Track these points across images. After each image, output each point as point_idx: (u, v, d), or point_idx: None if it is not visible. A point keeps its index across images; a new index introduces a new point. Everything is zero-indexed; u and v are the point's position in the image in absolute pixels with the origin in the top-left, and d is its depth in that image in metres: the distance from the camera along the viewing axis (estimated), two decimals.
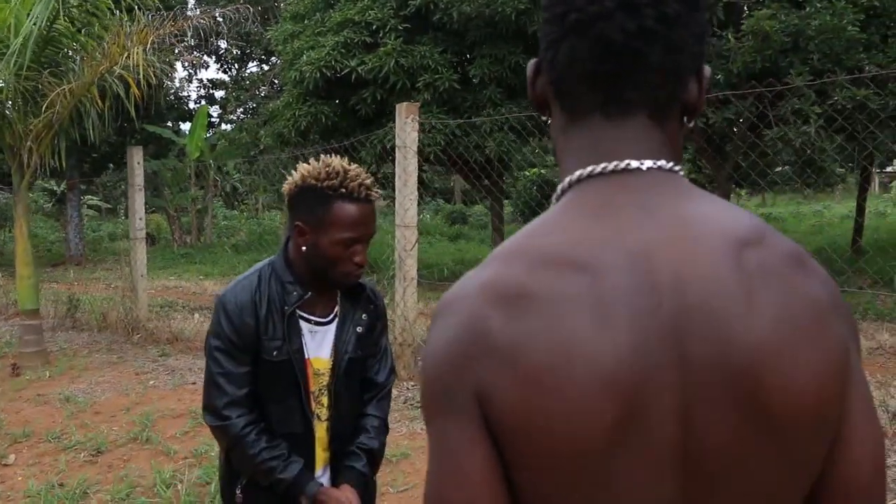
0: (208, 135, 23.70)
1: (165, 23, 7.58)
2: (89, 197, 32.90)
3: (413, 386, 6.00)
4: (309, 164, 2.03)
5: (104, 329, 9.31)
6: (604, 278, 0.78)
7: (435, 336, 0.83)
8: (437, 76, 11.42)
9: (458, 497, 0.78)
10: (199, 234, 24.85)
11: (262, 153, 18.56)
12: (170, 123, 25.46)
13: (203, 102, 27.37)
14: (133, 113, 7.83)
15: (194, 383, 6.76)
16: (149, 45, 7.29)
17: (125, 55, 7.26)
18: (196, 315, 9.62)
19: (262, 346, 2.05)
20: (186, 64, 27.78)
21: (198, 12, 8.18)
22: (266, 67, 26.29)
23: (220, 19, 8.03)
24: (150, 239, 26.22)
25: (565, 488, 0.78)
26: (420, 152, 10.89)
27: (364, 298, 2.20)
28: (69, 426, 5.58)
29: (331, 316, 2.15)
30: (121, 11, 7.74)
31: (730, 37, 9.00)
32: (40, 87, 7.40)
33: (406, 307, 6.04)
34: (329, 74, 11.79)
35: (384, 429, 2.27)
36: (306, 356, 2.09)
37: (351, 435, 2.20)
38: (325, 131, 12.57)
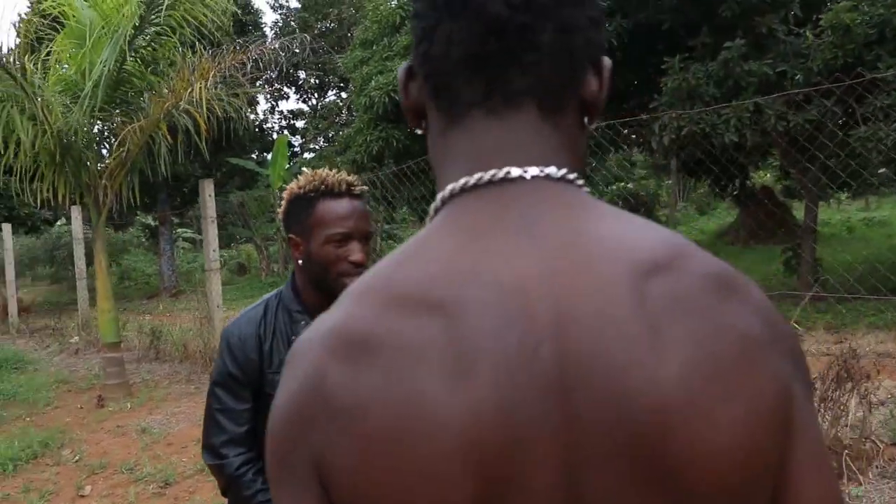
0: (290, 164, 24.15)
1: (227, 56, 7.68)
2: (183, 230, 33.98)
3: None
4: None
5: (185, 360, 9.48)
6: (464, 321, 0.63)
7: (279, 392, 0.70)
8: None
9: None
10: (285, 263, 25.30)
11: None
12: (255, 155, 26.10)
13: (284, 133, 27.99)
14: (203, 146, 7.97)
15: None
16: (210, 80, 7.38)
17: (189, 91, 7.40)
18: None
19: (265, 380, 1.97)
20: (268, 96, 28.51)
21: (273, 43, 8.24)
22: (344, 95, 26.74)
23: (278, 49, 8.03)
24: (242, 268, 27.03)
25: None
26: None
27: None
28: (142, 457, 5.67)
29: None
30: (184, 48, 7.90)
31: (808, 34, 8.59)
32: (112, 126, 7.60)
33: None
34: (398, 98, 11.79)
35: None
36: None
37: None
38: (398, 155, 12.59)
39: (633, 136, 12.38)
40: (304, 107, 28.73)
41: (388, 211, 15.40)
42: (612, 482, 0.62)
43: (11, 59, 6.93)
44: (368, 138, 12.63)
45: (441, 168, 0.75)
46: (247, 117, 8.75)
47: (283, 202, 2.01)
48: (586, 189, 0.73)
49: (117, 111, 7.74)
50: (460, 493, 0.61)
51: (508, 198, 0.69)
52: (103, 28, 7.48)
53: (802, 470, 0.67)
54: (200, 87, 7.38)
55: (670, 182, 24.68)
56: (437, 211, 0.74)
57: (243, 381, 1.97)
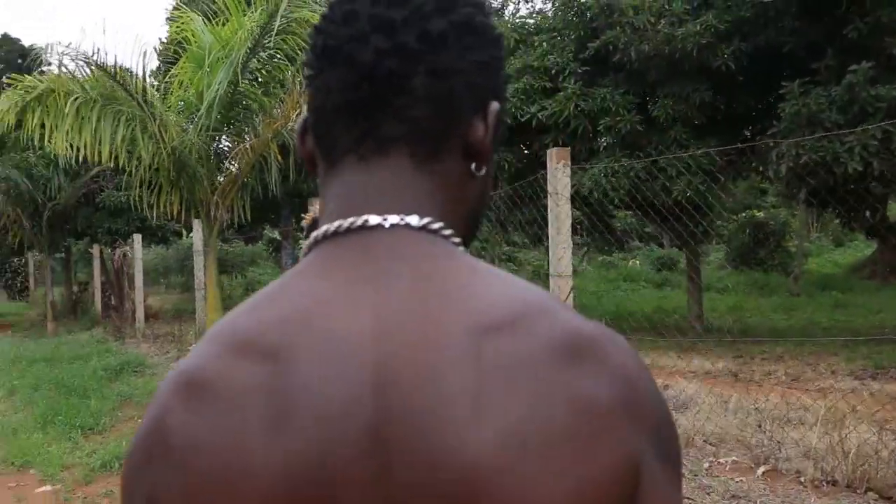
0: None
1: None
2: None
3: None
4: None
5: None
6: (292, 369, 0.62)
7: (137, 432, 0.70)
8: (618, 118, 11.11)
9: None
10: None
11: None
12: None
13: None
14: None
15: None
16: None
17: (298, 112, 7.65)
18: None
19: None
20: None
21: None
22: None
23: None
24: None
25: None
26: (604, 196, 10.74)
27: None
28: None
29: None
30: (296, 69, 8.17)
31: None
32: (224, 145, 7.95)
33: None
34: (509, 122, 11.82)
35: None
36: None
37: None
38: (511, 178, 12.57)
39: (753, 164, 11.90)
40: None
41: (503, 234, 15.42)
42: None
43: (134, 83, 7.34)
44: None
45: (322, 214, 0.74)
46: None
47: (311, 218, 2.05)
48: (455, 239, 0.71)
49: (230, 131, 8.07)
50: None
51: (364, 246, 0.68)
52: (220, 52, 7.83)
53: None
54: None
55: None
56: (305, 255, 0.73)
57: None
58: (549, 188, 5.89)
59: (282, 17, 7.49)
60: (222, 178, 8.09)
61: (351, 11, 0.72)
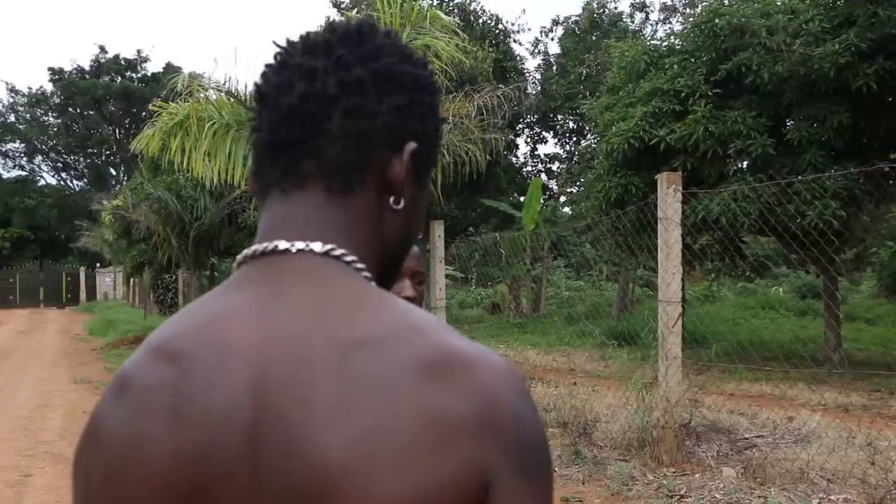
0: (543, 207, 24.51)
1: (456, 101, 8.07)
2: (445, 267, 35.58)
3: (672, 472, 5.59)
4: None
5: None
6: (191, 372, 0.72)
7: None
8: (749, 141, 10.78)
9: None
10: (536, 304, 25.63)
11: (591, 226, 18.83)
12: (516, 196, 26.83)
13: (541, 176, 28.51)
14: (436, 191, 8.40)
15: None
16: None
17: None
18: None
19: None
20: (527, 139, 29.21)
21: (493, 93, 8.56)
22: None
23: (502, 97, 8.31)
24: (496, 307, 27.81)
25: None
26: (734, 221, 10.41)
27: None
28: None
29: None
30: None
31: None
32: None
33: (668, 387, 5.69)
34: (637, 145, 11.68)
35: None
36: None
37: None
38: (640, 202, 12.40)
39: None
40: (561, 151, 29.07)
41: (634, 258, 15.14)
42: None
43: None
44: (608, 185, 12.56)
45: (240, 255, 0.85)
46: (484, 159, 9.02)
47: None
48: (358, 265, 0.79)
49: None
50: None
51: (272, 268, 0.78)
52: None
53: None
54: None
55: None
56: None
57: None
58: (659, 213, 5.83)
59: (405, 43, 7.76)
60: None
61: (283, 62, 0.82)
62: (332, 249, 0.78)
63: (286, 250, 0.78)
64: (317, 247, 0.78)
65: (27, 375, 13.62)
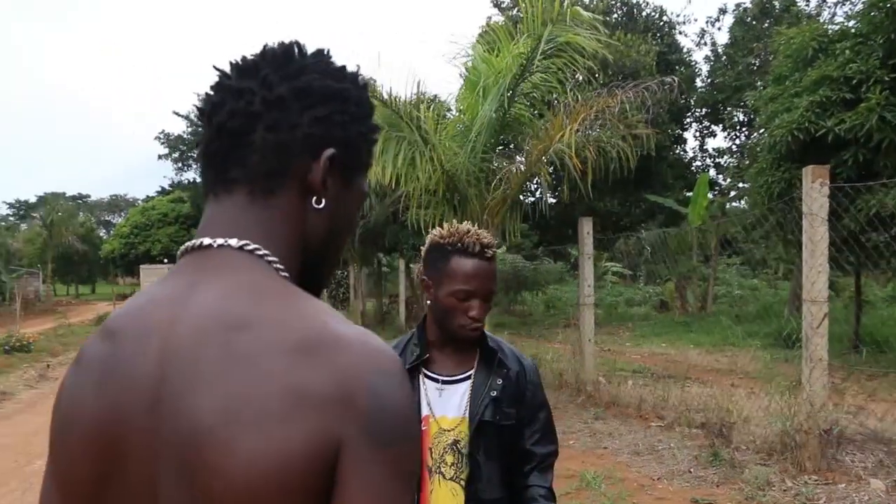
0: (711, 202, 23.64)
1: (595, 101, 7.98)
2: (612, 264, 34.97)
3: (815, 480, 5.30)
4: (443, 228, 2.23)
5: (560, 388, 9.89)
6: (120, 346, 0.87)
7: None
8: None
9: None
10: (703, 302, 24.75)
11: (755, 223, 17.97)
12: (689, 193, 26.04)
13: (710, 171, 27.46)
14: (581, 185, 8.34)
15: (605, 448, 6.86)
16: (578, 123, 7.75)
17: (562, 133, 7.85)
18: (630, 382, 9.65)
19: None
20: (696, 133, 28.24)
21: (640, 86, 8.36)
22: None
23: (647, 91, 8.11)
24: (663, 305, 27.08)
25: None
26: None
27: (496, 363, 2.23)
28: None
29: (462, 375, 2.22)
30: (562, 90, 8.37)
31: None
32: (492, 166, 8.37)
33: (812, 391, 5.40)
34: (802, 137, 11.06)
35: (552, 497, 2.25)
36: (423, 413, 2.18)
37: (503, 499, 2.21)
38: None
39: None
40: (731, 144, 27.91)
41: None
42: (172, 481, 0.80)
43: (410, 112, 8.02)
44: (770, 179, 11.96)
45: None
46: (635, 154, 8.86)
47: (426, 245, 2.23)
48: (270, 258, 0.91)
49: (499, 154, 8.47)
50: (84, 470, 0.85)
51: (197, 260, 0.91)
52: (491, 79, 8.29)
53: None
54: (571, 129, 7.80)
55: None
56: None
57: None
58: (804, 208, 5.55)
59: (547, 41, 7.77)
60: (491, 198, 8.49)
61: (219, 84, 0.94)
62: (245, 244, 0.90)
63: (209, 245, 0.90)
64: (233, 242, 0.89)
65: None
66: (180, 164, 52.46)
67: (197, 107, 0.97)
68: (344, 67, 0.98)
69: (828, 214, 5.47)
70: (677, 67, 24.51)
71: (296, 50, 0.95)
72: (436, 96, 9.61)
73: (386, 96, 8.02)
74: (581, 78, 8.57)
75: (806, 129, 11.00)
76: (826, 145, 10.91)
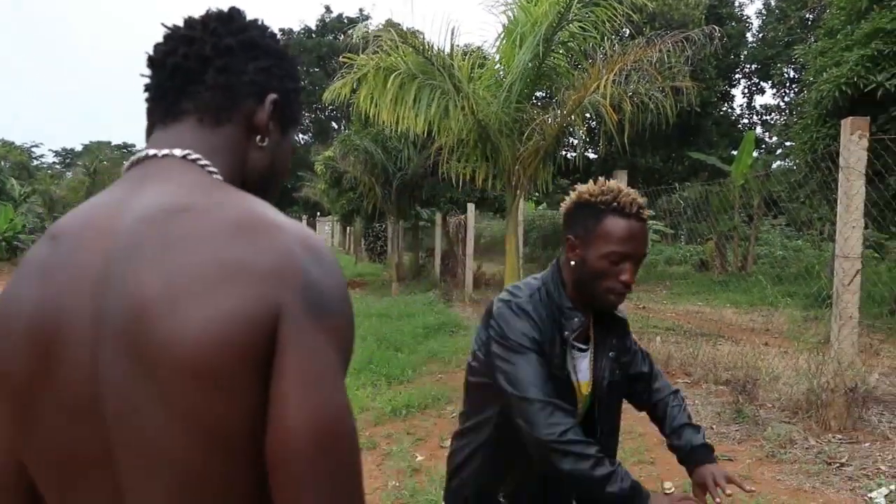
0: (755, 161, 23.15)
1: (632, 51, 7.79)
2: (654, 222, 34.65)
3: (839, 439, 5.21)
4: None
5: None
6: (61, 245, 0.93)
7: None
8: None
9: None
10: (743, 262, 24.40)
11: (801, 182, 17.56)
12: (734, 151, 25.54)
13: (757, 129, 26.85)
14: (618, 138, 8.18)
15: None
16: (614, 74, 7.57)
17: (597, 82, 7.68)
18: (659, 338, 9.55)
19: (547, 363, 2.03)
20: (745, 90, 27.59)
21: (673, 37, 8.11)
22: None
23: (685, 42, 7.88)
24: (703, 265, 26.79)
25: (8, 423, 0.93)
26: None
27: (620, 326, 2.19)
28: None
29: (587, 342, 2.14)
30: (600, 39, 8.17)
31: None
32: (525, 117, 8.24)
33: (840, 349, 5.28)
34: (851, 92, 10.71)
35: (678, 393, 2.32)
36: (574, 380, 2.08)
37: (614, 450, 2.22)
38: None
39: None
40: (780, 102, 27.20)
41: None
42: (115, 357, 0.85)
43: (444, 60, 7.91)
44: (815, 135, 11.65)
45: None
46: (674, 109, 8.65)
47: (569, 202, 2.10)
48: (211, 168, 1.00)
49: (532, 103, 8.34)
50: (23, 362, 0.89)
51: (142, 168, 1.00)
52: (528, 27, 8.13)
53: (291, 383, 0.83)
54: (607, 80, 7.63)
55: None
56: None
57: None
58: (841, 161, 5.40)
59: None
60: (524, 150, 8.38)
61: (169, 35, 1.05)
62: (188, 154, 0.99)
63: (154, 155, 0.99)
64: (177, 152, 0.99)
65: None
66: None
67: (148, 54, 1.06)
68: (276, 34, 1.12)
69: (866, 169, 5.31)
70: (728, 21, 23.86)
71: (238, 13, 1.08)
72: (470, 45, 9.43)
73: (419, 45, 7.91)
74: (627, 32, 8.35)
75: (854, 83, 10.66)
76: (875, 101, 10.56)
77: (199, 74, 1.02)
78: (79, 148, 67.79)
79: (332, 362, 0.86)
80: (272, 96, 1.05)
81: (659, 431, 2.28)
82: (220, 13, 1.06)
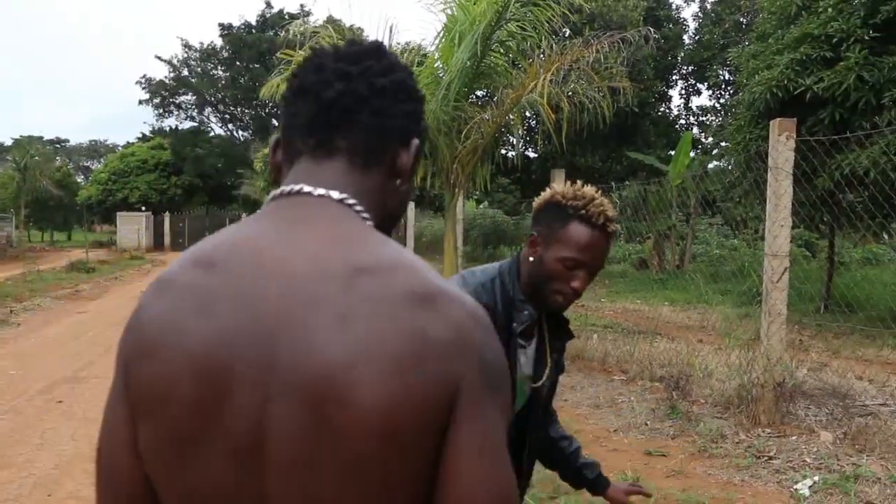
0: (692, 161, 23.59)
1: (570, 51, 7.86)
2: None
3: (768, 433, 5.33)
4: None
5: None
6: (224, 276, 0.90)
7: None
8: None
9: (102, 437, 0.98)
10: (680, 260, 24.86)
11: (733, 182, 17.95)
12: (672, 152, 25.95)
13: (694, 129, 27.38)
14: (556, 138, 8.23)
15: (566, 400, 6.88)
16: (551, 73, 7.63)
17: (535, 82, 7.73)
18: (596, 336, 9.67)
19: None
20: (682, 91, 28.11)
21: (608, 39, 8.20)
22: None
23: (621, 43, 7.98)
24: (643, 263, 27.21)
25: (160, 457, 0.91)
26: (884, 178, 9.62)
27: (565, 330, 2.18)
28: None
29: (532, 339, 2.13)
30: (538, 39, 8.22)
31: None
32: (464, 115, 8.25)
33: (770, 345, 5.40)
34: (781, 95, 10.99)
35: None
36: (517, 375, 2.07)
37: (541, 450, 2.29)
38: None
39: None
40: (716, 103, 27.77)
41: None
42: (289, 409, 0.84)
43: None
44: (748, 137, 11.93)
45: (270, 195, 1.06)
46: (611, 108, 8.74)
47: (542, 199, 2.08)
48: (364, 214, 0.99)
49: (471, 102, 8.34)
50: (185, 392, 0.87)
51: (296, 204, 0.98)
52: (466, 27, 8.13)
53: (465, 456, 0.86)
54: (545, 80, 7.68)
55: None
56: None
57: None
58: (770, 162, 5.52)
59: None
60: (462, 149, 8.38)
61: (320, 64, 1.03)
62: (346, 198, 0.98)
63: (309, 192, 0.98)
64: (334, 194, 0.98)
65: None
66: (161, 111, 51.81)
67: (296, 81, 1.05)
68: (413, 73, 1.11)
69: (797, 170, 5.42)
70: (665, 24, 24.27)
71: (384, 50, 1.07)
72: (410, 43, 9.40)
73: (357, 40, 7.85)
74: (566, 32, 8.42)
75: (785, 86, 10.95)
76: (804, 104, 10.86)
77: (354, 114, 1.01)
78: (8, 142, 65.85)
79: (502, 436, 0.90)
80: (416, 141, 1.06)
81: (556, 471, 2.45)
82: (369, 49, 1.05)
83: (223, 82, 51.50)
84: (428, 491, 0.87)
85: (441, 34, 8.82)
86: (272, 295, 0.87)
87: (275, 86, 8.87)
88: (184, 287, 0.91)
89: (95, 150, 79.07)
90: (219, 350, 0.86)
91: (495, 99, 8.72)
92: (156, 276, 0.97)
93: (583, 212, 1.94)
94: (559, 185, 2.03)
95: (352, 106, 1.00)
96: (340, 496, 0.85)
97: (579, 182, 2.05)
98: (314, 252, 0.90)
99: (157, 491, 0.94)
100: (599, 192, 1.99)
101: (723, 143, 26.92)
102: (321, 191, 0.97)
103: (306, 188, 0.98)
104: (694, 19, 27.83)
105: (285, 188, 0.99)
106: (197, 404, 0.86)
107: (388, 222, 1.08)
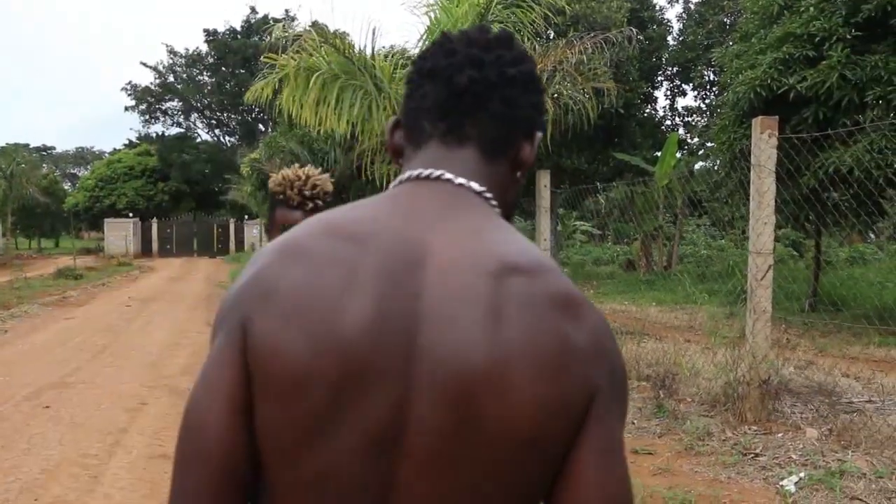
0: (678, 161, 23.67)
1: (553, 52, 7.88)
2: (581, 223, 35.11)
3: (754, 431, 5.35)
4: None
5: None
6: (369, 253, 0.87)
7: (236, 282, 0.97)
8: (890, 88, 9.96)
9: (201, 397, 0.90)
10: (668, 261, 24.93)
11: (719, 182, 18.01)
12: (658, 153, 26.00)
13: (680, 130, 27.47)
14: (546, 141, 8.25)
15: None
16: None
17: None
18: None
19: None
20: (668, 92, 28.19)
21: (593, 39, 8.23)
22: None
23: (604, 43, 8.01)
24: (630, 265, 27.27)
25: (288, 436, 0.86)
26: (867, 177, 9.68)
27: None
28: None
29: None
30: (523, 43, 8.24)
31: None
32: None
33: (755, 342, 5.42)
34: (765, 94, 11.04)
35: None
36: None
37: None
38: None
39: None
40: (701, 104, 27.86)
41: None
42: (432, 404, 0.83)
43: (366, 60, 7.86)
44: (732, 136, 11.96)
45: (401, 176, 1.03)
46: (596, 109, 8.77)
47: (270, 191, 2.22)
48: (497, 209, 0.99)
49: None
50: (331, 374, 0.83)
51: (436, 189, 0.96)
52: (452, 27, 8.14)
53: (591, 461, 0.87)
54: None
55: None
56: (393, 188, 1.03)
57: None
58: (752, 159, 5.54)
59: None
60: None
61: (451, 49, 1.01)
62: (485, 191, 0.98)
63: (450, 180, 0.97)
64: (475, 186, 0.97)
65: (167, 318, 14.58)
66: (147, 117, 51.66)
67: (426, 63, 1.02)
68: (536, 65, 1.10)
69: (781, 169, 5.45)
70: (649, 25, 24.35)
71: (514, 39, 1.05)
72: (393, 46, 9.41)
73: (341, 44, 7.86)
74: (551, 34, 8.44)
75: (768, 86, 10.99)
76: (788, 103, 10.90)
77: (485, 101, 0.99)
78: None
79: (622, 439, 0.91)
80: (539, 134, 1.05)
81: None
82: (499, 38, 1.03)
83: (209, 88, 51.47)
84: (541, 492, 0.88)
85: (424, 36, 8.85)
86: (426, 282, 0.86)
87: (258, 90, 8.84)
88: (323, 256, 0.87)
89: (82, 156, 78.72)
90: (369, 332, 0.83)
91: None
92: (279, 242, 0.92)
93: (281, 197, 2.09)
94: (277, 175, 2.17)
95: (483, 93, 0.99)
96: (471, 495, 0.85)
97: (296, 165, 2.17)
98: (465, 244, 0.89)
99: (269, 471, 0.88)
100: (306, 170, 2.12)
101: (708, 144, 27.01)
102: (462, 180, 0.96)
103: (447, 175, 0.96)
104: (678, 20, 27.94)
105: (423, 171, 0.97)
106: (340, 388, 0.83)
107: (506, 216, 1.06)
